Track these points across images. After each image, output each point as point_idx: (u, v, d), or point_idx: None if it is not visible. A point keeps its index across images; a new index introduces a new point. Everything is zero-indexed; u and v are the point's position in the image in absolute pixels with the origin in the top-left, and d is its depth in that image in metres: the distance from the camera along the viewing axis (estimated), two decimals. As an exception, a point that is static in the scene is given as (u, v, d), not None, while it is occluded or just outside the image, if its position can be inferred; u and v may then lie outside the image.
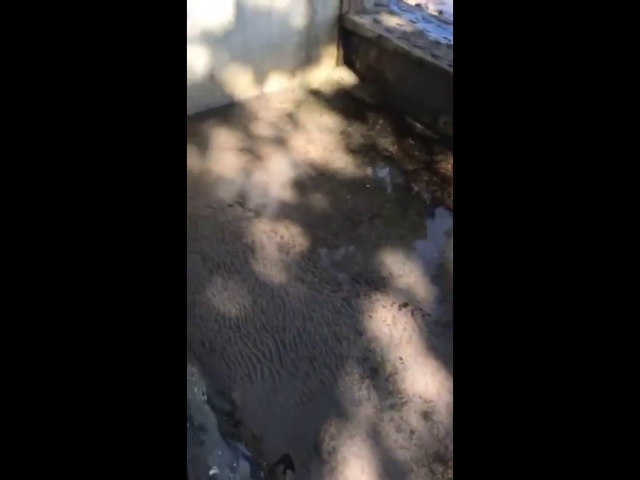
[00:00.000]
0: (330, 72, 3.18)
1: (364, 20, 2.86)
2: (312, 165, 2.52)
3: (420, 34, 2.74)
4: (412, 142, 2.71)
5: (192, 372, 1.36)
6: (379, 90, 3.00)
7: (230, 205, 2.25)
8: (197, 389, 1.28)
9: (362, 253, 2.07)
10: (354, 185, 2.42)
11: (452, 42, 2.66)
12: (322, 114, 2.88)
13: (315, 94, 3.04)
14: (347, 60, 3.15)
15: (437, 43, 2.66)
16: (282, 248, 2.06)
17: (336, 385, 1.62)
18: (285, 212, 2.24)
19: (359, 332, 1.77)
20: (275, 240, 2.09)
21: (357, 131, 2.76)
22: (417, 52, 2.62)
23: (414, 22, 2.86)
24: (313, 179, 2.44)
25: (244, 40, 2.65)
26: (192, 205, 2.23)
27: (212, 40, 2.54)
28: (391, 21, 2.85)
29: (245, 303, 1.84)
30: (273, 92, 3.00)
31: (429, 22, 2.88)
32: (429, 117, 2.76)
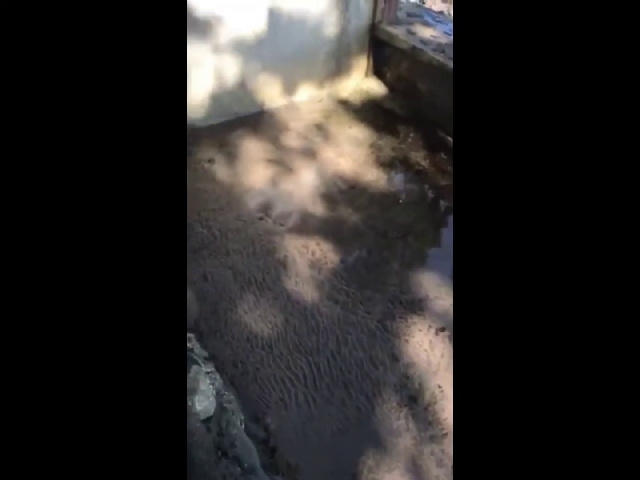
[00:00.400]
0: (360, 82, 3.13)
1: (398, 31, 2.81)
2: (343, 178, 2.47)
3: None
4: (445, 157, 2.65)
5: (230, 400, 1.31)
6: (410, 102, 2.94)
7: (261, 219, 2.20)
8: (236, 418, 1.23)
9: (396, 272, 2.01)
10: (386, 200, 2.36)
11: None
12: (352, 125, 2.82)
13: (344, 104, 2.99)
14: (377, 71, 3.10)
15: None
16: (314, 265, 2.01)
17: (373, 414, 1.56)
18: (316, 227, 2.19)
19: (395, 357, 1.71)
20: (306, 257, 2.04)
21: (388, 144, 2.71)
22: (444, 62, 2.56)
23: (448, 33, 2.81)
24: (344, 193, 2.39)
25: (276, 48, 2.61)
26: (223, 218, 2.19)
27: (244, 48, 2.50)
28: (425, 32, 2.80)
29: (278, 322, 1.79)
30: (302, 101, 2.95)
31: (464, 34, 2.82)
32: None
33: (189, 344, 1.60)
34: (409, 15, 2.97)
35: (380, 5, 2.80)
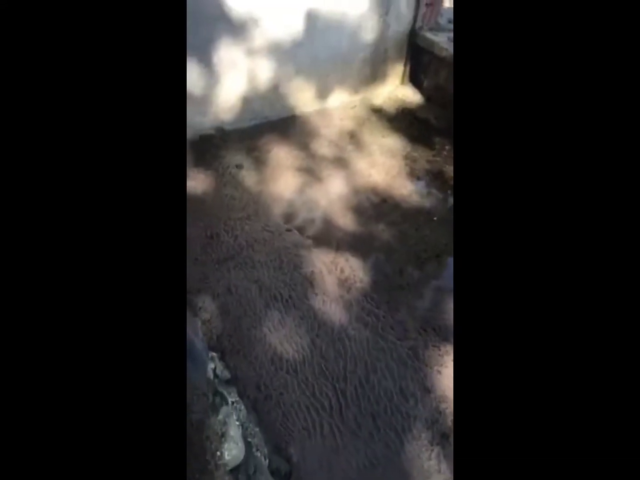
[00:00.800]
0: (395, 89, 3.03)
1: (438, 38, 2.69)
2: (375, 191, 2.37)
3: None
4: (481, 172, 2.53)
5: (254, 433, 1.23)
6: (447, 113, 2.82)
7: (289, 230, 2.12)
8: (259, 453, 1.15)
9: (430, 295, 1.90)
10: (419, 216, 2.26)
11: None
12: (385, 134, 2.72)
13: (378, 111, 2.89)
14: (414, 79, 2.99)
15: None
16: (343, 283, 1.92)
17: (403, 451, 1.46)
18: (346, 242, 2.09)
19: (427, 389, 1.61)
20: (335, 274, 1.95)
21: (423, 156, 2.60)
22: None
23: (491, 43, 2.67)
24: (375, 207, 2.29)
25: (311, 52, 2.52)
26: (250, 227, 2.11)
27: (279, 51, 2.42)
28: (467, 41, 2.67)
29: (304, 344, 1.71)
30: (334, 107, 2.86)
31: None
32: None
33: (211, 365, 1.53)
34: (450, 21, 2.85)
35: (422, 10, 2.68)
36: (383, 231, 2.17)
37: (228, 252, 2.00)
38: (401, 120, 2.83)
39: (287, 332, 1.74)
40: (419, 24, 2.74)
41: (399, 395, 1.59)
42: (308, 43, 2.46)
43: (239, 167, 2.40)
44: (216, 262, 1.95)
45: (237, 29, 2.24)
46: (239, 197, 2.25)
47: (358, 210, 2.26)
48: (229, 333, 1.72)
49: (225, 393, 1.23)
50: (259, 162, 2.45)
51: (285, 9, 2.29)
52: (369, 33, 2.64)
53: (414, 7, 2.67)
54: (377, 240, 2.12)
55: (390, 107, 2.93)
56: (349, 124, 2.77)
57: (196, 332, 1.54)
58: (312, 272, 1.95)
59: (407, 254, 2.06)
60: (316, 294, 1.87)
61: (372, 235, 2.14)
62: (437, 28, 2.79)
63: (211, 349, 1.66)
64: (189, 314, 1.71)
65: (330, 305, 1.84)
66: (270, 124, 2.67)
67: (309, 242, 2.07)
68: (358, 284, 1.92)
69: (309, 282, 1.91)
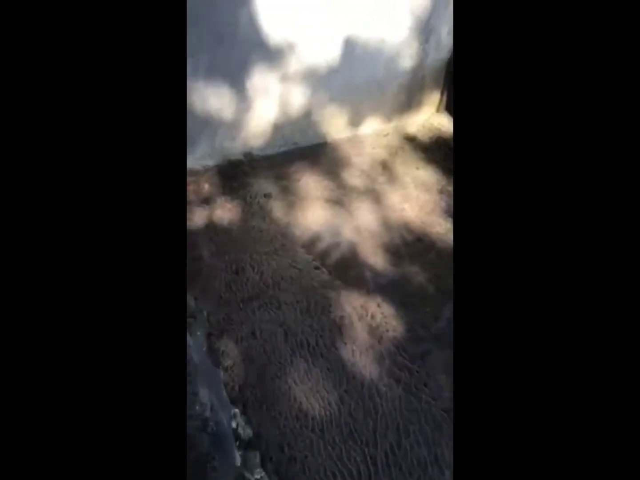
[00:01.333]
0: (429, 117, 2.91)
1: (479, 68, 2.57)
2: (408, 228, 2.25)
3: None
4: (521, 211, 2.39)
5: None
6: (484, 144, 2.69)
7: (317, 268, 2.01)
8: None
9: (467, 350, 1.77)
10: (450, 259, 2.12)
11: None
12: (419, 166, 2.60)
13: (412, 140, 2.77)
14: (450, 108, 2.87)
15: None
16: (374, 332, 1.80)
17: (438, 534, 1.33)
18: (377, 284, 1.98)
19: (465, 459, 1.48)
20: (366, 321, 1.83)
21: (458, 191, 2.47)
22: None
23: (536, 75, 2.54)
24: (409, 246, 2.17)
25: (347, 79, 2.42)
26: (276, 263, 2.01)
27: (314, 77, 2.33)
28: (510, 72, 2.55)
29: (331, 400, 1.59)
30: (366, 134, 2.75)
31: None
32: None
33: (233, 423, 1.42)
34: (492, 50, 2.73)
35: (463, 39, 2.57)
36: (418, 273, 2.04)
37: (253, 291, 1.90)
38: (436, 151, 2.71)
39: (314, 385, 1.62)
40: (459, 52, 2.63)
41: (433, 466, 1.46)
42: (344, 69, 2.37)
43: (267, 196, 2.30)
44: (241, 302, 1.85)
45: (273, 54, 2.16)
46: (266, 229, 2.15)
47: (390, 249, 2.14)
48: (252, 383, 1.61)
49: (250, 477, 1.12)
50: (288, 192, 2.35)
51: (324, 34, 2.20)
52: (407, 60, 2.53)
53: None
54: (411, 284, 1.99)
55: (424, 136, 2.81)
56: (381, 153, 2.66)
57: (219, 395, 1.44)
58: (341, 317, 1.83)
59: (442, 299, 1.93)
60: (345, 343, 1.75)
61: (406, 278, 2.02)
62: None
63: (233, 401, 1.55)
64: (211, 363, 1.61)
65: (360, 356, 1.72)
66: (300, 150, 2.58)
67: (339, 282, 1.96)
68: (390, 333, 1.80)
69: (337, 329, 1.79)
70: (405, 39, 2.43)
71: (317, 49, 2.24)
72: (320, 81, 2.35)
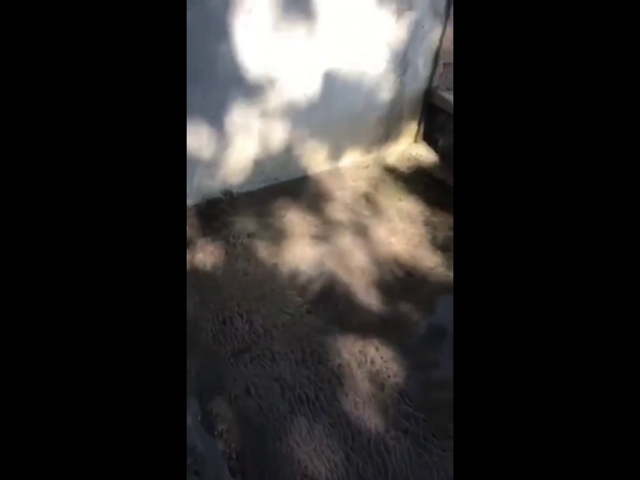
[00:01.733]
0: (408, 147, 2.91)
1: (456, 99, 2.59)
2: (398, 262, 2.20)
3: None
4: (506, 241, 2.39)
5: None
6: (464, 173, 2.70)
7: (309, 312, 1.91)
8: None
9: (471, 393, 1.71)
10: (446, 292, 2.08)
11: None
12: (402, 198, 2.57)
13: (392, 171, 2.75)
14: (428, 137, 2.88)
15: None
16: (375, 379, 1.71)
17: None
18: (373, 325, 1.90)
19: (483, 516, 1.39)
20: (365, 367, 1.74)
21: (444, 222, 2.45)
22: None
23: (511, 105, 2.58)
24: (400, 281, 2.10)
25: (327, 113, 2.38)
26: (266, 310, 1.90)
27: (294, 112, 2.27)
28: (486, 102, 2.58)
29: (337, 460, 1.48)
30: (347, 167, 2.71)
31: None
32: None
33: (236, 501, 1.28)
34: (466, 81, 2.77)
35: (439, 70, 2.59)
36: (413, 311, 1.98)
37: (244, 342, 1.78)
38: (417, 182, 2.70)
39: (317, 445, 1.51)
40: (435, 83, 2.65)
41: (452, 527, 1.37)
42: (324, 104, 2.32)
43: (251, 236, 2.20)
44: (231, 355, 1.72)
45: (252, 90, 2.08)
46: (253, 272, 2.04)
47: (382, 286, 2.07)
48: (251, 448, 1.48)
49: None
50: (273, 230, 2.26)
51: (304, 70, 2.16)
52: (385, 93, 2.52)
53: (431, 66, 2.58)
54: (407, 323, 1.92)
55: (404, 167, 2.80)
56: (363, 186, 2.62)
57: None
58: (339, 365, 1.74)
59: (439, 339, 1.87)
60: (346, 394, 1.65)
61: (402, 316, 1.95)
62: (452, 88, 2.69)
63: (231, 471, 1.41)
64: (206, 432, 1.47)
65: (364, 407, 1.62)
66: (282, 185, 2.50)
67: (333, 327, 1.87)
68: (392, 379, 1.71)
69: (337, 378, 1.69)
70: (383, 72, 2.42)
71: (297, 84, 2.18)
72: (301, 116, 2.30)
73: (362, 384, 1.69)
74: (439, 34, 2.45)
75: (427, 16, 2.33)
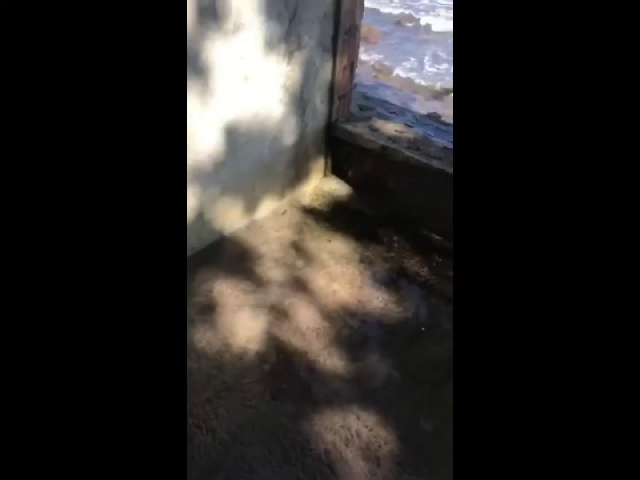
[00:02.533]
0: (319, 184, 2.81)
1: (359, 129, 2.56)
2: (347, 310, 2.07)
3: (426, 140, 2.50)
4: (441, 259, 2.39)
5: None
6: (380, 201, 2.68)
7: (274, 398, 1.69)
8: None
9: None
10: (405, 330, 2.00)
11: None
12: (330, 238, 2.46)
13: (311, 212, 2.63)
14: (337, 170, 2.82)
15: (446, 149, 2.43)
16: (367, 454, 1.54)
17: None
18: (344, 391, 1.73)
19: None
20: (354, 444, 1.57)
21: (377, 255, 2.38)
22: (426, 161, 2.35)
23: (410, 125, 2.63)
24: (356, 331, 1.97)
25: (235, 168, 2.18)
26: (225, 409, 1.63)
27: (202, 175, 2.04)
28: (388, 128, 2.59)
29: None
30: (265, 217, 2.53)
31: (425, 124, 2.67)
32: (448, 228, 2.47)
33: None
34: (361, 109, 2.77)
35: (336, 103, 2.54)
36: (379, 361, 1.86)
37: (212, 459, 1.49)
38: (338, 218, 2.61)
39: None
40: (334, 117, 2.60)
41: None
42: (231, 159, 2.13)
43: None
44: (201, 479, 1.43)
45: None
46: (197, 368, 1.76)
47: (340, 342, 1.92)
48: None
49: None
50: (206, 310, 1.99)
51: (205, 130, 1.94)
52: (289, 135, 2.40)
53: (328, 101, 2.52)
54: (375, 375, 1.80)
55: (321, 205, 2.69)
56: (287, 234, 2.46)
57: None
58: (326, 450, 1.54)
59: (414, 385, 1.77)
60: (345, 485, 1.46)
61: (370, 370, 1.81)
62: (352, 118, 2.67)
63: None
64: None
65: (367, 494, 1.44)
66: (200, 255, 2.23)
67: (306, 408, 1.67)
68: (384, 447, 1.56)
69: (328, 467, 1.50)
70: (284, 115, 2.30)
71: (199, 147, 1.96)
72: (208, 177, 2.07)
73: (356, 465, 1.51)
74: (330, 69, 2.40)
75: (316, 53, 2.27)
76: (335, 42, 2.31)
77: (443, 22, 9.97)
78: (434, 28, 9.77)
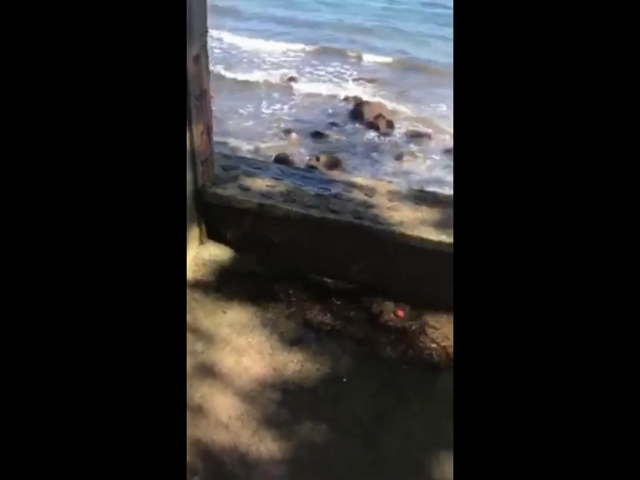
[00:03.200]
0: (197, 252, 2.64)
1: (229, 191, 2.49)
2: (265, 384, 1.94)
3: (297, 190, 2.53)
4: (339, 302, 2.41)
5: None
6: (266, 257, 2.61)
7: (216, 513, 1.47)
8: None
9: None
10: (329, 388, 1.95)
11: (333, 192, 2.54)
12: (224, 309, 2.31)
13: (197, 286, 2.44)
14: (214, 235, 2.68)
15: (320, 196, 2.49)
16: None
17: None
18: (288, 474, 1.60)
19: None
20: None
21: (279, 314, 2.30)
22: (305, 211, 2.39)
23: (278, 179, 2.64)
24: (283, 405, 1.86)
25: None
26: None
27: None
28: (257, 184, 2.56)
29: None
30: (147, 304, 2.26)
31: (293, 175, 2.71)
32: (338, 270, 2.52)
33: None
34: (225, 169, 2.69)
35: (199, 169, 2.44)
36: (313, 431, 1.76)
37: None
38: (228, 285, 2.47)
39: None
40: (200, 182, 2.48)
41: None
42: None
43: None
44: None
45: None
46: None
47: (270, 422, 1.78)
48: None
49: None
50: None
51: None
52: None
53: (191, 168, 2.40)
54: (319, 446, 1.70)
55: (205, 275, 2.52)
56: (177, 317, 2.23)
57: None
58: None
59: (366, 454, 1.71)
60: None
61: (309, 443, 1.71)
62: (218, 181, 2.58)
63: None
64: None
65: None
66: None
67: (253, 511, 1.49)
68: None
69: None
70: (148, 191, 2.11)
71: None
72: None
73: None
74: (188, 137, 2.29)
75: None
76: (189, 111, 2.22)
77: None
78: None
